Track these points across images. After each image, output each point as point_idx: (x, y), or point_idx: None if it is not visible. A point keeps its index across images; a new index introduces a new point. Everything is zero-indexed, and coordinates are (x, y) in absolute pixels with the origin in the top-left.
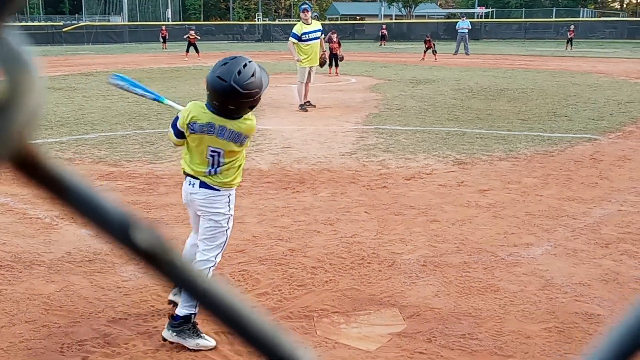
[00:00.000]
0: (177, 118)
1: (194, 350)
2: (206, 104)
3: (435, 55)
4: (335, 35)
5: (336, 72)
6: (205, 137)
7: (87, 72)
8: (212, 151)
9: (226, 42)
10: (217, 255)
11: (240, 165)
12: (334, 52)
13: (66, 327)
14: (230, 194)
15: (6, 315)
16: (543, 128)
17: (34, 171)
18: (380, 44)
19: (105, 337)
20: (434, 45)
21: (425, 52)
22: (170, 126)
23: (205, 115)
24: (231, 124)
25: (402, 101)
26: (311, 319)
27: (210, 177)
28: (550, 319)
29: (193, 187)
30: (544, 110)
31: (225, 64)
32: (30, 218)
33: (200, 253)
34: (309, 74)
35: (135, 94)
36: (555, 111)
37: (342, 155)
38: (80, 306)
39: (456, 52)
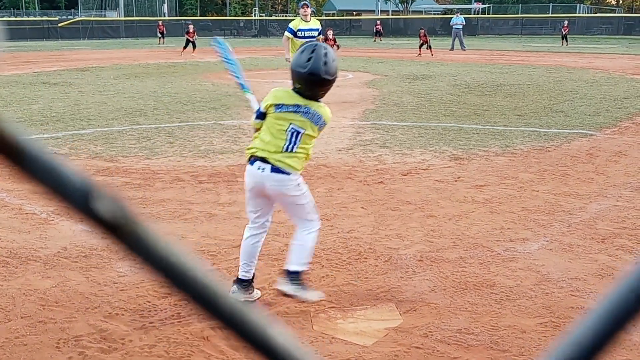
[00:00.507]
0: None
1: (192, 345)
2: (292, 89)
3: (430, 50)
4: (331, 32)
5: None
6: (290, 115)
7: (83, 67)
8: (293, 129)
9: (223, 37)
10: (316, 217)
11: (308, 155)
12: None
13: (62, 322)
14: (299, 179)
15: (2, 310)
16: (539, 124)
17: None
18: (375, 40)
19: (101, 332)
20: (429, 40)
21: (420, 47)
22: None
23: (293, 98)
24: (315, 106)
25: (399, 97)
26: (308, 314)
27: (284, 153)
28: (546, 313)
29: (263, 171)
30: (541, 106)
31: (309, 59)
32: (26, 214)
33: (302, 230)
34: None
35: (226, 68)
36: (552, 107)
37: (339, 150)
38: (77, 302)
39: (452, 48)
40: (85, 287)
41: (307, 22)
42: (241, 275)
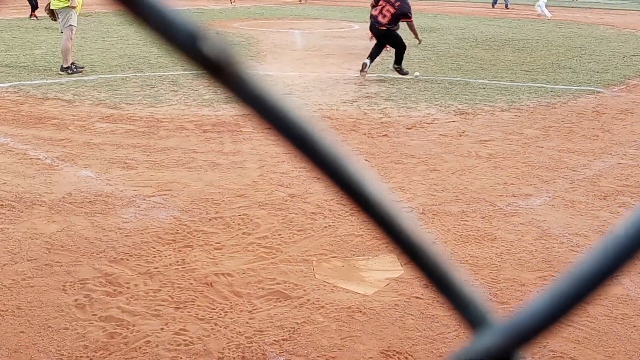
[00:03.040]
0: None
1: (196, 290)
2: None
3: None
4: None
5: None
6: None
7: (85, 12)
8: None
9: None
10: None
11: None
12: None
13: (68, 266)
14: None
15: (8, 253)
16: (547, 79)
17: None
18: None
19: (106, 276)
20: None
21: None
22: None
23: None
24: None
25: (406, 50)
26: (310, 262)
27: None
28: (546, 267)
29: None
30: (548, 62)
31: None
32: (31, 159)
33: None
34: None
35: None
36: (560, 63)
37: (344, 102)
38: (82, 246)
39: (507, 6)
40: (90, 232)
41: None
42: None
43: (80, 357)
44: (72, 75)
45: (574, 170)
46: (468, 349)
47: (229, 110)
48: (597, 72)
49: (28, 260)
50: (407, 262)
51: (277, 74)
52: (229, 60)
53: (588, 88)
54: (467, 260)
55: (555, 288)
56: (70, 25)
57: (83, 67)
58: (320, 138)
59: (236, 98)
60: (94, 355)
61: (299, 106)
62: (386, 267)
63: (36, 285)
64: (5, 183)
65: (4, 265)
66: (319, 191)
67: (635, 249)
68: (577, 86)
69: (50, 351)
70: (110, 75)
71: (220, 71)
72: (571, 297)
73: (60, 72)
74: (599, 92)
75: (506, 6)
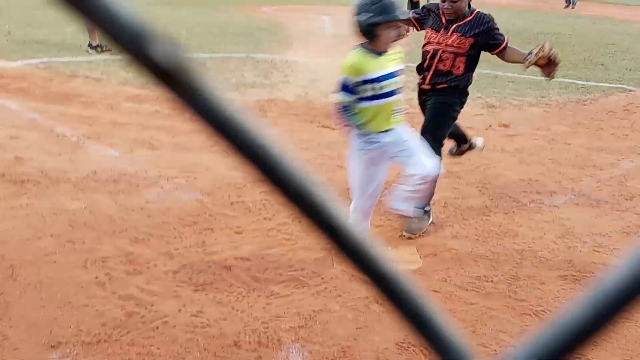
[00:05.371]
0: None
1: (215, 273)
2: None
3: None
4: None
5: None
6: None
7: None
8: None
9: None
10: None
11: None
12: None
13: (90, 243)
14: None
15: (32, 228)
16: (578, 75)
17: None
18: None
19: (127, 255)
20: None
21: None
22: None
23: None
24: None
25: None
26: (329, 251)
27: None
28: (567, 267)
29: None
30: (580, 58)
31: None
32: (57, 135)
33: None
34: None
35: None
36: (592, 59)
37: None
38: (105, 224)
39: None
40: (113, 211)
41: None
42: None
43: (98, 334)
44: (101, 53)
45: (601, 169)
46: None
47: (255, 95)
48: (630, 70)
49: (51, 236)
50: (382, 299)
51: (304, 60)
52: (179, 66)
53: (620, 86)
54: (487, 256)
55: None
56: None
57: (110, 48)
58: (280, 158)
59: (186, 108)
60: (112, 333)
61: (255, 120)
62: (405, 259)
63: (58, 261)
64: (32, 159)
65: (28, 240)
66: (341, 180)
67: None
68: (609, 83)
69: (70, 327)
70: None
71: (170, 78)
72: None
73: (89, 51)
74: (631, 90)
75: (571, 5)
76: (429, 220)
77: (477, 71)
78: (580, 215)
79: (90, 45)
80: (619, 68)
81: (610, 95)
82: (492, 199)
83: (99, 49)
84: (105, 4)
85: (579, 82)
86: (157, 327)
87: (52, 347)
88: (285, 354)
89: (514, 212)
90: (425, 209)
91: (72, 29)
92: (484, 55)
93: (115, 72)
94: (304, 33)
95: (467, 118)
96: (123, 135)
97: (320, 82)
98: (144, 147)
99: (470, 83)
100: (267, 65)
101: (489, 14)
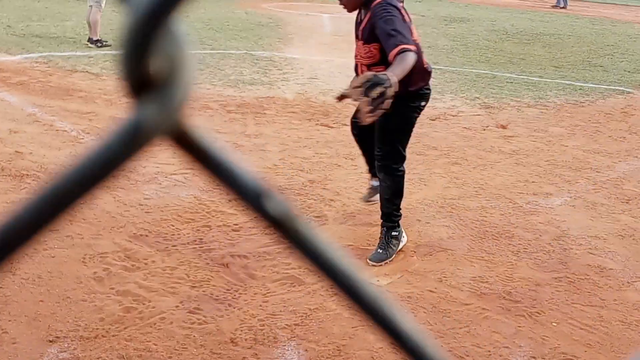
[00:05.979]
0: None
1: (212, 270)
2: None
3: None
4: None
5: None
6: None
7: None
8: None
9: None
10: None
11: None
12: None
13: (89, 238)
14: None
15: None
16: (576, 77)
17: (188, 146)
18: None
19: (125, 251)
20: None
21: None
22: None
23: None
24: None
25: (434, 39)
26: None
27: None
28: (562, 269)
29: None
30: (579, 59)
31: None
32: (57, 130)
33: None
34: None
35: None
36: (591, 60)
37: None
38: (103, 220)
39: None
40: (112, 207)
41: None
42: None
43: (97, 329)
44: (101, 48)
45: (597, 172)
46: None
47: (254, 91)
48: (629, 71)
49: (50, 231)
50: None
51: (303, 57)
52: (289, 217)
53: (618, 88)
54: (482, 257)
55: None
56: None
57: (110, 44)
58: (380, 302)
59: (296, 252)
60: (109, 328)
61: (357, 267)
62: (401, 259)
63: (57, 255)
64: (31, 153)
65: None
66: (338, 178)
67: None
68: (607, 85)
69: (68, 321)
70: None
71: (282, 226)
72: None
73: (90, 45)
74: (630, 92)
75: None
76: (399, 244)
77: (476, 70)
78: (576, 217)
79: (90, 39)
80: (617, 70)
81: (609, 97)
82: (488, 200)
83: (99, 44)
84: (229, 165)
85: (577, 83)
86: (155, 323)
87: (50, 341)
88: (281, 352)
89: (510, 213)
90: (393, 233)
91: (72, 23)
92: (483, 55)
93: (115, 68)
94: (303, 30)
95: (465, 117)
96: None
97: (319, 80)
98: None
99: (414, 89)
100: (266, 62)
101: (384, 2)
